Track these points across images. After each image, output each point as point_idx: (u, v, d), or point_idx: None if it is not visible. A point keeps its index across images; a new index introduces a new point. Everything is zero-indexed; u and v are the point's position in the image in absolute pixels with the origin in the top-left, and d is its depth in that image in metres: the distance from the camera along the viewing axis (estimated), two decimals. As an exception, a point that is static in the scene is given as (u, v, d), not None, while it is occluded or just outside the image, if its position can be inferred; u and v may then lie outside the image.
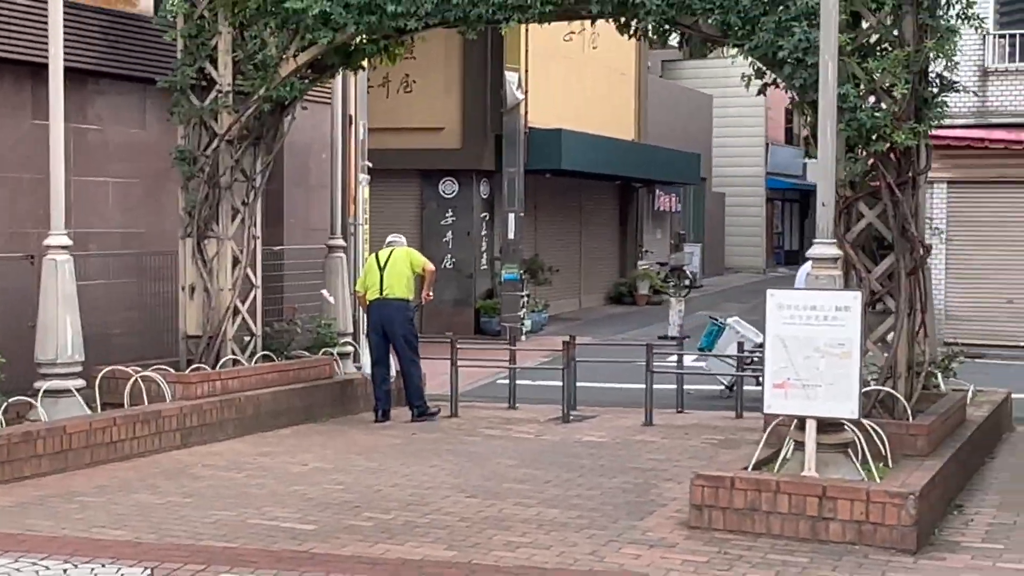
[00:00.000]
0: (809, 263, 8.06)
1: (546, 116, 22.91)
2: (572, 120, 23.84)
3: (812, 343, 7.54)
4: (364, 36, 11.08)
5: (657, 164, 28.19)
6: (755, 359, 13.03)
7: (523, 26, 21.86)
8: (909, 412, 8.85)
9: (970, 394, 11.10)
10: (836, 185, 8.30)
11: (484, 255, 22.76)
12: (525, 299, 21.78)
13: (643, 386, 12.61)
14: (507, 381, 13.76)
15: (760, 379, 9.15)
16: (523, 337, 21.34)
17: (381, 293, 12.16)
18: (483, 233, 22.74)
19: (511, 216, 21.54)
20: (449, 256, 22.46)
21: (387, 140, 21.88)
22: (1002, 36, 19.92)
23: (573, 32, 25.09)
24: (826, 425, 7.65)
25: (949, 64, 9.07)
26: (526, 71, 22.05)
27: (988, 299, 20.39)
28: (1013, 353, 19.06)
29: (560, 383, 12.66)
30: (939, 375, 10.43)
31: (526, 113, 22.06)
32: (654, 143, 28.85)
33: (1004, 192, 20.26)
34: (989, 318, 20.23)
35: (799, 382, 7.57)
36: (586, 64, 25.78)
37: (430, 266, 12.46)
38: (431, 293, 12.63)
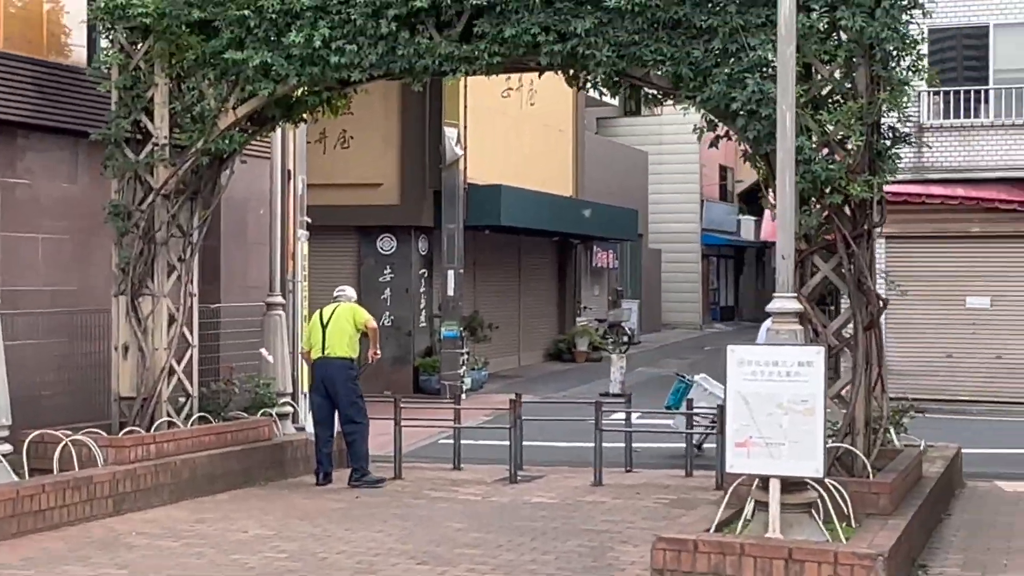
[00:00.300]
0: (770, 319, 7.88)
1: (485, 172, 22.77)
2: (511, 176, 23.72)
3: (775, 400, 7.32)
4: (306, 88, 10.81)
5: (595, 220, 28.12)
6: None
7: (462, 82, 21.90)
8: (869, 469, 8.67)
9: (922, 449, 10.98)
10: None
11: (423, 312, 22.46)
12: (465, 357, 21.48)
13: (589, 444, 12.33)
14: (450, 441, 13.43)
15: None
16: (463, 395, 20.99)
17: (323, 351, 11.80)
18: (422, 290, 22.45)
19: (451, 273, 21.28)
20: (388, 313, 22.11)
21: (325, 196, 21.56)
22: (936, 93, 20.13)
23: (511, 88, 25.07)
24: (789, 484, 7.42)
25: (901, 116, 9.00)
26: (465, 127, 21.90)
27: (928, 354, 20.44)
28: (953, 408, 19.06)
29: (506, 442, 12.35)
30: (892, 431, 10.29)
31: (465, 169, 21.88)
32: (592, 199, 28.80)
33: (941, 247, 20.40)
34: (929, 373, 20.24)
35: (762, 440, 7.35)
36: (524, 120, 25.74)
37: (373, 323, 12.13)
38: (378, 351, 12.24)
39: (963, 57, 20.43)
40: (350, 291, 12.44)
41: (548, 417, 15.35)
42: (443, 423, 13.99)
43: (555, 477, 12.37)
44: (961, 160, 20.12)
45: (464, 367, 21.33)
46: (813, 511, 7.55)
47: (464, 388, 21.18)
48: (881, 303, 9.03)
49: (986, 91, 20.37)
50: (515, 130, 25.35)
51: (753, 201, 46.19)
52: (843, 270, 8.93)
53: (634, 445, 13.06)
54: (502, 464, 12.57)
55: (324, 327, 11.84)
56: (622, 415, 13.65)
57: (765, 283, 50.20)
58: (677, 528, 7.71)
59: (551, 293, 29.15)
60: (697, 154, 39.89)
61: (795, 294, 7.69)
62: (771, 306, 7.62)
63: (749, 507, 7.76)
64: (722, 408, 12.52)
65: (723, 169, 43.09)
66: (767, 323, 9.45)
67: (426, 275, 22.59)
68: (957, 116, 20.34)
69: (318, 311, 12.21)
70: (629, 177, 34.66)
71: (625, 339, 30.36)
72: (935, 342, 20.40)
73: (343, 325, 11.83)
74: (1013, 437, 16.39)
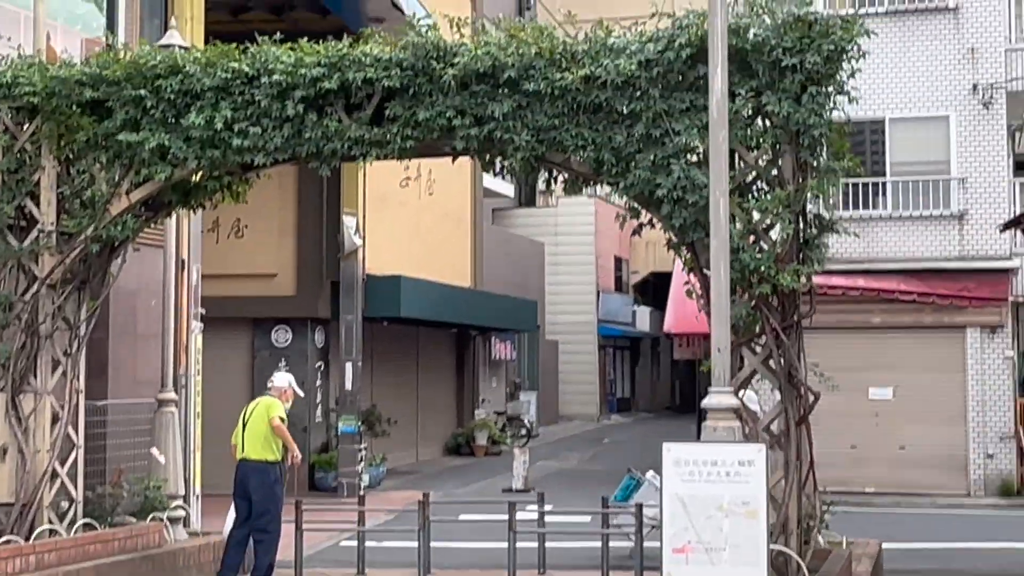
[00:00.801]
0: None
1: (383, 262, 22.25)
2: (410, 267, 23.25)
3: (714, 502, 6.90)
4: (206, 172, 10.24)
5: (494, 311, 27.77)
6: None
7: (361, 170, 21.47)
8: (806, 574, 8.26)
9: (844, 546, 10.64)
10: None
11: (319, 407, 21.70)
12: (363, 452, 20.75)
13: (498, 544, 11.76)
14: (352, 543, 12.75)
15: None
16: (361, 492, 20.23)
17: (243, 452, 11.10)
18: (318, 383, 21.72)
19: (348, 365, 20.62)
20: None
21: (218, 287, 20.78)
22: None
23: (410, 178, 24.73)
24: (728, 592, 6.98)
25: (827, 205, 8.78)
26: (364, 216, 21.42)
27: (832, 445, 20.23)
28: (858, 499, 18.87)
29: (411, 543, 11.70)
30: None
31: (364, 259, 21.35)
32: (490, 290, 28.47)
33: (842, 338, 20.35)
34: (833, 464, 20.01)
35: (701, 545, 6.91)
36: (423, 210, 25.38)
37: (276, 420, 11.24)
38: (297, 454, 11.40)
39: (861, 150, 20.64)
40: (279, 379, 11.67)
41: (454, 517, 14.73)
42: (344, 524, 13.27)
43: (465, 582, 11.76)
44: (862, 251, 20.19)
45: (362, 463, 20.59)
46: (754, 621, 7.11)
47: (362, 485, 20.44)
48: (812, 396, 8.71)
49: (883, 183, 20.59)
50: (414, 220, 24.96)
51: (647, 292, 46.39)
52: (772, 362, 8.60)
53: (547, 545, 12.50)
54: (408, 568, 11.94)
55: (244, 425, 11.14)
56: (534, 514, 13.08)
57: (660, 375, 50.30)
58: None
59: (449, 385, 28.59)
60: (592, 245, 39.98)
61: (731, 388, 7.32)
62: (707, 401, 7.23)
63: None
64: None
65: (618, 260, 43.18)
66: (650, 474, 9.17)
67: (322, 368, 21.89)
68: (857, 208, 20.47)
69: (247, 405, 11.50)
70: (526, 268, 34.46)
71: (524, 432, 29.85)
72: (839, 433, 20.20)
73: (258, 424, 11.17)
74: (921, 529, 16.22)
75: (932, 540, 15.06)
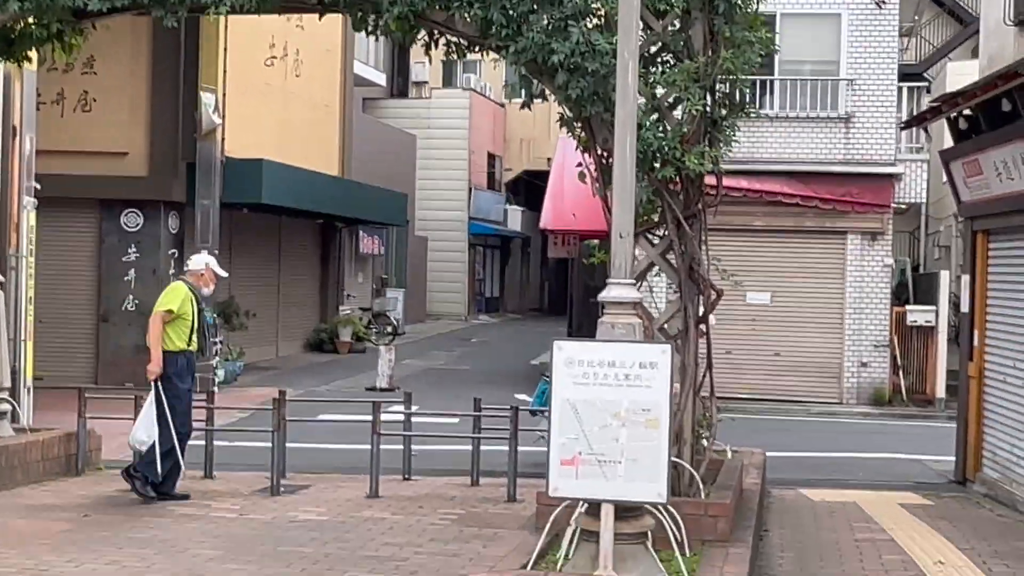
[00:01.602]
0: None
1: (245, 146, 20.81)
2: (273, 151, 21.85)
3: (610, 408, 6.02)
4: (31, 17, 8.85)
5: (362, 202, 26.51)
6: None
7: (221, 44, 19.93)
8: (701, 487, 7.50)
9: (729, 456, 9.99)
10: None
11: (172, 297, 20.31)
12: (219, 346, 19.53)
13: (361, 447, 10.84)
14: (201, 442, 11.66)
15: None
16: (215, 388, 19.06)
17: None
18: (171, 272, 20.24)
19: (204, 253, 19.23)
20: (132, 297, 19.91)
21: (61, 164, 19.23)
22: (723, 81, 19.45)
23: (275, 57, 23.22)
24: (623, 510, 6.14)
25: (739, 81, 7.87)
26: (224, 94, 19.91)
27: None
28: (733, 406, 18.36)
29: (265, 444, 10.65)
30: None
31: (223, 140, 19.90)
32: (359, 181, 27.18)
33: (722, 240, 19.64)
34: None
35: (593, 457, 6.04)
36: (289, 94, 23.90)
37: (154, 316, 9.83)
38: (152, 368, 9.76)
39: (750, 45, 19.84)
40: (195, 260, 10.27)
41: (313, 417, 13.73)
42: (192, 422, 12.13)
43: (324, 487, 10.79)
44: (745, 151, 19.44)
45: (217, 358, 19.38)
46: (647, 542, 6.30)
47: (216, 380, 19.26)
48: (715, 294, 7.89)
49: (771, 82, 19.88)
50: (279, 103, 23.48)
51: (519, 191, 45.51)
52: (672, 255, 7.73)
53: (412, 447, 11.59)
54: (262, 471, 10.93)
55: None
56: (400, 415, 12.13)
57: (529, 276, 49.69)
58: (487, 565, 6.30)
59: (313, 279, 27.36)
60: (466, 140, 38.82)
61: (633, 280, 6.41)
62: (605, 294, 6.31)
63: (570, 535, 6.47)
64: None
65: (491, 157, 42.13)
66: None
67: (176, 256, 20.44)
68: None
69: None
70: (397, 161, 33.18)
71: (390, 330, 28.86)
72: (714, 338, 19.63)
73: (155, 307, 9.96)
74: (799, 438, 15.80)
75: (811, 449, 14.62)
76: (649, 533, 6.26)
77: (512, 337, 34.38)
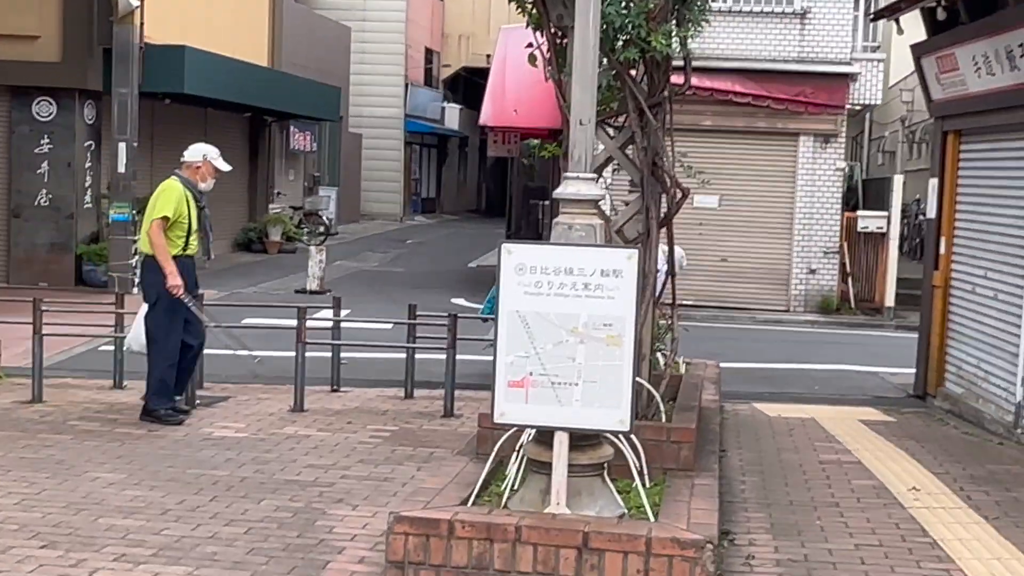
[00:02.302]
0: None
1: (166, 30, 19.50)
2: (197, 38, 20.56)
3: (566, 323, 5.20)
4: None
5: (293, 95, 25.26)
6: None
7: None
8: (661, 408, 6.74)
9: (683, 369, 9.28)
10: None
11: (88, 191, 19.16)
12: (137, 244, 18.42)
13: (286, 354, 10.00)
14: (109, 348, 10.76)
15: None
16: (135, 290, 18.06)
17: None
18: (87, 165, 19.11)
19: (122, 146, 18.07)
20: (45, 192, 18.73)
21: (-35, 47, 18.01)
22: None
23: (199, -64, 21.80)
24: (577, 438, 5.36)
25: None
26: (142, -25, 18.54)
27: (698, 257, 18.82)
28: (679, 312, 17.73)
29: None
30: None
31: (142, 24, 18.55)
32: (289, 72, 25.91)
33: (700, 141, 18.82)
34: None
35: (546, 379, 5.23)
36: (214, -24, 22.53)
37: (153, 226, 8.58)
38: (174, 282, 8.59)
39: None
40: (191, 151, 8.94)
41: (236, 321, 12.79)
42: (102, 326, 11.20)
43: (245, 399, 9.93)
44: (696, 47, 18.51)
45: (136, 256, 18.30)
46: (605, 474, 5.53)
47: (136, 281, 18.23)
48: (680, 193, 7.06)
49: (725, -28, 18.89)
50: (203, -14, 22.11)
51: (457, 89, 44.26)
52: (633, 149, 6.87)
53: (342, 356, 10.73)
54: (177, 381, 10.04)
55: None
56: (328, 321, 11.24)
57: (467, 177, 48.65)
58: (423, 501, 5.49)
59: (241, 176, 26.12)
60: (403, 34, 37.46)
61: (593, 175, 5.54)
62: (562, 190, 5.44)
63: (516, 465, 5.69)
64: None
65: (429, 52, 40.80)
66: None
67: (93, 148, 19.24)
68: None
69: None
70: (330, 53, 31.80)
71: (322, 230, 27.81)
72: (706, 245, 18.84)
73: (148, 212, 8.74)
74: (747, 348, 15.16)
75: (762, 360, 13.97)
76: (609, 463, 5.49)
77: (449, 239, 33.48)
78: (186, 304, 8.78)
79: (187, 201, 8.72)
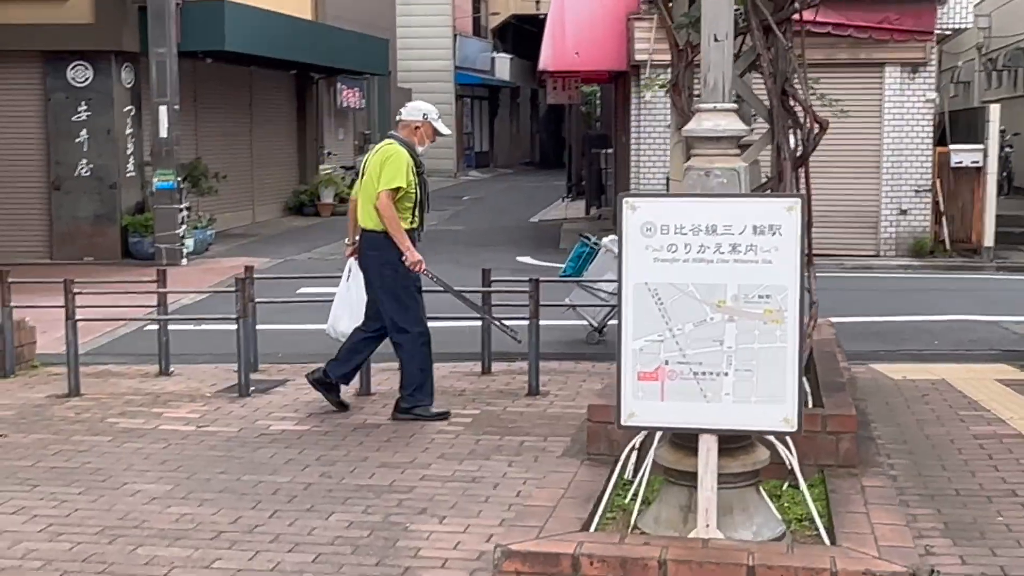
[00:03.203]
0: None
1: (204, -16, 18.42)
2: (236, -9, 19.46)
3: (711, 296, 4.06)
4: None
5: (341, 49, 24.10)
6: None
7: None
8: (808, 392, 5.59)
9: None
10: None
11: (131, 159, 18.19)
12: (185, 213, 17.49)
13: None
14: (153, 328, 9.79)
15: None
16: (184, 261, 17.13)
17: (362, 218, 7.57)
18: (128, 131, 18.13)
19: (163, 109, 17.07)
20: (85, 161, 17.80)
21: (-5, 12, 17.09)
22: None
23: None
24: (724, 440, 4.24)
25: None
26: (176, -75, 17.45)
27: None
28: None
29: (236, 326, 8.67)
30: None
31: (177, -21, 17.52)
32: (335, 25, 24.74)
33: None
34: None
35: (687, 368, 4.11)
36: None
37: (383, 196, 7.29)
38: (413, 256, 7.43)
39: None
40: (409, 109, 7.68)
41: (293, 295, 11.77)
42: (144, 307, 10.21)
43: (303, 382, 8.82)
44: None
45: (184, 226, 17.36)
46: (759, 483, 4.41)
47: (184, 252, 17.30)
48: (818, 126, 5.87)
49: None
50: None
51: (507, 38, 42.92)
52: (764, 75, 5.68)
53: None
54: (229, 362, 9.06)
55: (362, 178, 7.61)
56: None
57: (519, 128, 47.37)
58: (532, 524, 4.39)
59: (290, 136, 25.12)
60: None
61: (734, 104, 4.36)
62: (695, 126, 4.28)
63: (645, 472, 4.58)
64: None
65: (476, 0, 39.43)
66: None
67: (133, 113, 18.26)
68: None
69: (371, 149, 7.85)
70: (375, 4, 30.55)
71: (375, 189, 26.72)
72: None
73: (370, 180, 7.44)
74: (846, 298, 13.85)
75: (866, 313, 12.68)
76: (762, 469, 4.37)
77: (506, 193, 32.31)
78: (432, 280, 7.77)
79: (412, 170, 7.50)
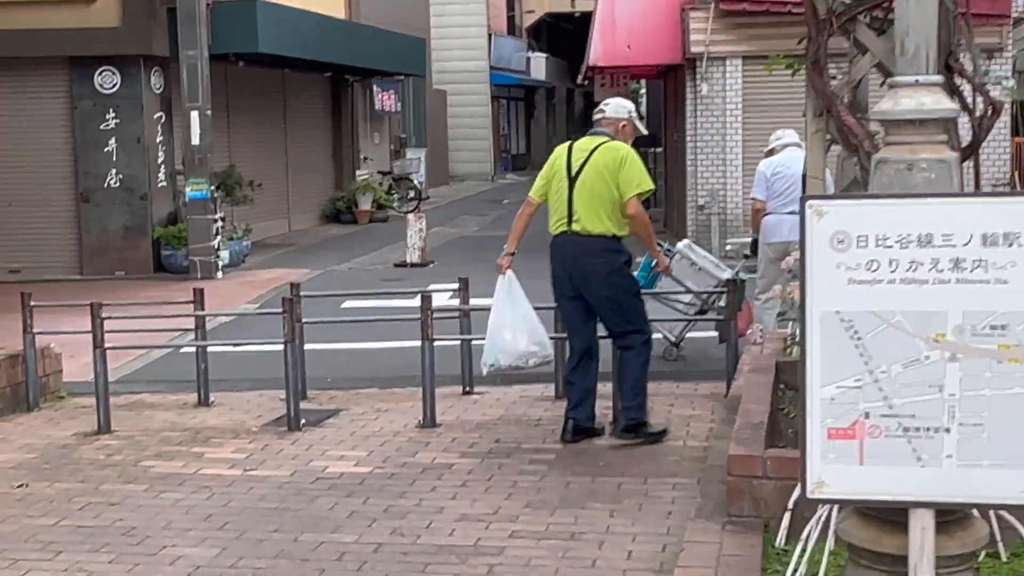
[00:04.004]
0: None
1: (235, -16, 17.57)
2: (268, -9, 18.61)
3: (925, 327, 3.09)
4: None
5: (376, 50, 23.23)
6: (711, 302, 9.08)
7: None
8: None
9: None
10: None
11: (162, 168, 17.34)
12: (219, 224, 16.62)
13: (403, 344, 8.01)
14: (190, 350, 8.87)
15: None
16: (219, 274, 16.27)
17: (568, 220, 6.65)
18: (159, 139, 17.29)
19: (194, 115, 16.22)
20: (115, 171, 16.96)
21: (20, 17, 16.29)
22: None
23: None
24: (940, 514, 3.25)
25: None
26: (205, -79, 16.60)
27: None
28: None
29: (278, 345, 7.68)
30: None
31: (208, -21, 16.66)
32: (369, 24, 23.88)
33: (840, 65, 16.47)
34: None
35: (894, 421, 3.13)
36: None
37: (635, 204, 6.60)
38: (663, 260, 7.29)
39: None
40: (614, 106, 6.88)
41: (337, 315, 10.86)
42: (179, 329, 9.30)
43: (359, 412, 7.93)
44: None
45: (219, 237, 16.50)
46: (974, 566, 3.42)
47: (220, 264, 16.44)
48: (991, 108, 4.90)
49: None
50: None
51: (541, 36, 41.98)
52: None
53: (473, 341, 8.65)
54: (275, 386, 8.17)
55: (571, 177, 6.63)
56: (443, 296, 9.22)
57: (556, 129, 46.44)
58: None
59: (325, 141, 24.27)
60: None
61: (940, 77, 3.39)
62: (889, 106, 3.30)
63: (827, 556, 3.60)
64: (732, 283, 8.13)
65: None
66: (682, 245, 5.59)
67: (164, 120, 17.41)
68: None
69: (563, 147, 6.86)
70: (409, 3, 29.71)
71: (413, 194, 25.88)
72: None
73: (598, 181, 6.55)
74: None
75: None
76: (979, 549, 3.39)
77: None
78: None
79: None
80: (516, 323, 6.91)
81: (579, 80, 24.45)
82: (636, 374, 6.76)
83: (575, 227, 6.64)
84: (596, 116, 6.93)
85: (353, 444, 7.02)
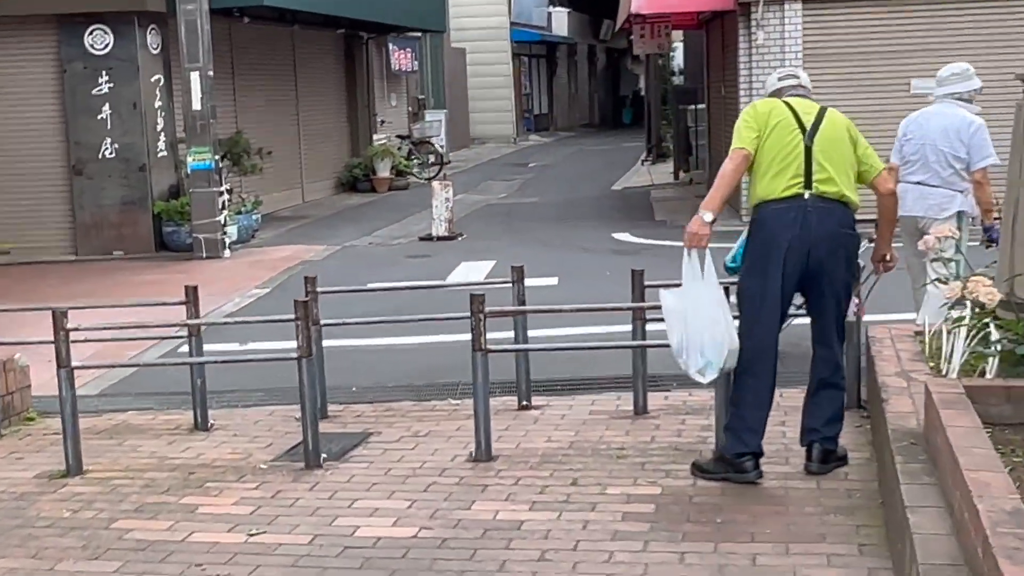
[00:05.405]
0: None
1: (235, -70, 15.96)
2: (273, -63, 16.98)
3: None
4: None
5: (392, 4, 21.55)
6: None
7: None
8: None
9: None
10: None
11: (162, 136, 15.75)
12: (226, 196, 15.07)
13: (438, 338, 6.54)
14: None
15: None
16: (227, 252, 14.74)
17: (809, 183, 5.16)
18: (157, 104, 15.68)
19: (195, 77, 14.62)
20: (109, 141, 15.39)
21: (-2, -28, 14.72)
22: None
23: None
24: None
25: None
26: None
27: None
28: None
29: (291, 342, 6.05)
30: None
31: (207, -76, 15.01)
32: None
33: (906, 14, 14.76)
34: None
35: None
36: None
37: (888, 183, 5.56)
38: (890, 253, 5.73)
39: None
40: (807, 79, 5.63)
41: (360, 313, 9.28)
42: (176, 320, 7.74)
43: (393, 437, 6.37)
44: None
45: (225, 211, 14.95)
46: None
47: (227, 241, 14.90)
48: None
49: None
50: None
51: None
52: None
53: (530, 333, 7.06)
54: (285, 402, 6.67)
55: (808, 131, 5.21)
56: (482, 277, 7.59)
57: (577, 88, 44.69)
58: None
59: (339, 104, 22.64)
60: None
61: None
62: None
63: None
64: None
65: (529, -49, 36.71)
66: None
67: (162, 83, 15.80)
68: None
69: (770, 102, 5.38)
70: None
71: (434, 159, 24.27)
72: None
73: (842, 144, 5.26)
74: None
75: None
76: None
77: (575, 159, 29.67)
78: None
79: None
80: (724, 311, 5.25)
81: (615, 30, 22.71)
82: (843, 387, 5.49)
83: (823, 188, 5.16)
84: (790, 82, 5.50)
85: (390, 489, 5.45)
